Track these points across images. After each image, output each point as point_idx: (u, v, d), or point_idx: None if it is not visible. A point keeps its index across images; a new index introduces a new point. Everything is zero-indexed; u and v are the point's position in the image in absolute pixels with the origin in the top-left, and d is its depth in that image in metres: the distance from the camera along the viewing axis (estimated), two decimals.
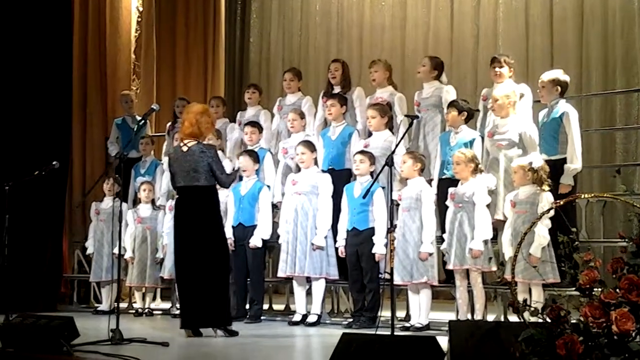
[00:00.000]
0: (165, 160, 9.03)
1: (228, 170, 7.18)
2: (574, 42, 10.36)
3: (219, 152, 7.23)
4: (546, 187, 6.37)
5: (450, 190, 6.79)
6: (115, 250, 7.75)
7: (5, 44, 8.99)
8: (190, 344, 6.14)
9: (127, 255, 8.41)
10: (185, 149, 6.47)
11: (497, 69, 7.40)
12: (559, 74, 7.01)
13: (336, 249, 7.30)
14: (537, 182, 6.39)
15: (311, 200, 7.41)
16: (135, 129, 7.40)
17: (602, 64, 10.14)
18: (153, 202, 8.65)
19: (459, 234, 6.63)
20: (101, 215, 8.76)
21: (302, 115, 8.12)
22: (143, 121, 7.03)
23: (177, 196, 6.73)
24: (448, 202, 6.78)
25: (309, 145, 7.54)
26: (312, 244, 7.29)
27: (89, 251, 8.84)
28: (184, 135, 6.55)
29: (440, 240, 6.97)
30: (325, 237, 7.33)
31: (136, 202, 8.81)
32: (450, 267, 6.70)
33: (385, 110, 7.62)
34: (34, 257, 8.80)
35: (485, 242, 6.56)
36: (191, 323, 6.40)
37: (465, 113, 7.22)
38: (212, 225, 6.45)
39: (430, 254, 6.78)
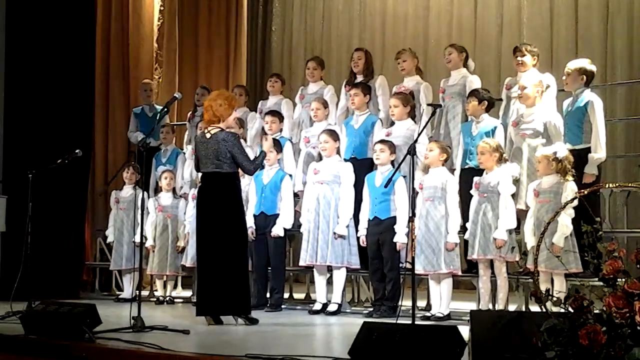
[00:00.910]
0: (187, 148, 9.07)
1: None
2: (599, 31, 10.26)
3: (242, 141, 7.23)
4: (570, 177, 6.32)
5: (475, 179, 6.76)
6: (136, 239, 7.79)
7: (29, 35, 9.02)
8: (210, 331, 6.14)
9: (148, 243, 8.44)
10: (208, 135, 6.52)
11: (519, 58, 7.36)
12: (585, 63, 6.94)
13: (358, 238, 7.28)
14: (561, 172, 6.34)
15: (333, 189, 7.40)
16: (157, 117, 7.40)
17: (627, 53, 10.04)
18: (174, 190, 8.67)
19: (483, 223, 6.60)
20: (121, 203, 8.80)
21: (325, 105, 8.10)
22: (165, 109, 7.03)
23: (200, 182, 6.78)
24: (472, 192, 6.75)
25: (333, 134, 7.52)
26: (335, 233, 7.28)
27: (109, 239, 8.88)
28: (205, 123, 6.70)
29: (461, 230, 6.93)
30: (347, 227, 7.31)
31: (157, 190, 8.82)
32: (474, 256, 6.66)
33: (407, 99, 7.59)
34: (57, 245, 8.85)
35: (510, 231, 6.52)
36: (208, 310, 6.42)
37: (486, 102, 7.19)
38: (232, 212, 6.46)
39: (456, 244, 6.76)
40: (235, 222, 6.48)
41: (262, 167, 7.45)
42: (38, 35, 9.05)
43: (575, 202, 5.33)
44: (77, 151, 7.58)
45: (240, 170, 6.58)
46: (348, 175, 7.41)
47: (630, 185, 4.58)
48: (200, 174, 6.80)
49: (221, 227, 6.39)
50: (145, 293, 8.57)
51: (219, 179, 6.47)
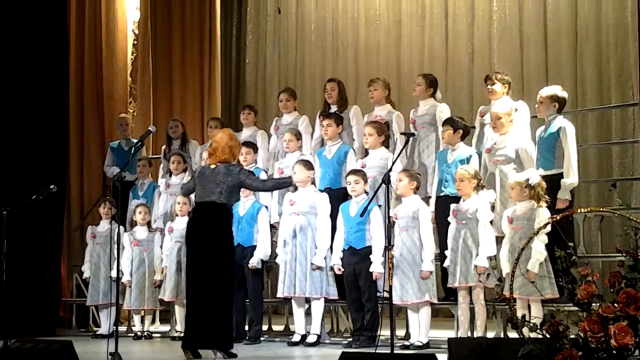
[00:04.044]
0: (161, 182, 9.05)
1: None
2: (568, 58, 10.39)
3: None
4: (543, 204, 6.37)
5: (453, 207, 6.79)
6: (113, 274, 7.73)
7: (1, 68, 9.00)
8: None
9: (125, 278, 8.39)
10: (213, 166, 6.60)
11: (489, 87, 7.47)
12: (557, 90, 7.03)
13: (331, 267, 7.28)
14: (534, 198, 6.39)
15: (310, 220, 7.40)
16: (132, 151, 7.39)
17: (596, 79, 10.17)
18: (149, 224, 8.63)
19: (464, 251, 6.62)
20: (97, 238, 8.74)
21: (298, 136, 8.13)
22: (139, 143, 7.03)
23: (192, 213, 6.89)
24: (450, 219, 6.77)
25: (306, 164, 7.54)
26: (312, 264, 7.27)
27: (86, 275, 8.81)
28: (220, 161, 6.61)
29: (438, 257, 6.95)
30: (325, 257, 7.31)
31: (133, 224, 8.79)
32: (455, 284, 6.67)
33: (383, 129, 7.64)
34: (33, 281, 8.76)
35: (490, 258, 6.55)
36: (193, 343, 6.38)
37: (461, 130, 7.26)
38: (222, 244, 6.44)
39: (431, 272, 6.78)
40: (225, 255, 6.45)
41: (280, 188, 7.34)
42: (10, 69, 9.03)
43: (548, 228, 5.38)
44: (51, 187, 7.55)
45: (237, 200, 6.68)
46: (324, 206, 7.42)
47: (602, 209, 4.63)
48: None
49: (211, 260, 6.36)
50: (122, 328, 8.51)
51: (212, 210, 6.47)
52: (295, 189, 7.44)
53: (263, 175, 8.06)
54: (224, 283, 6.39)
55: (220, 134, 6.79)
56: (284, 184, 7.01)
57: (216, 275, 6.34)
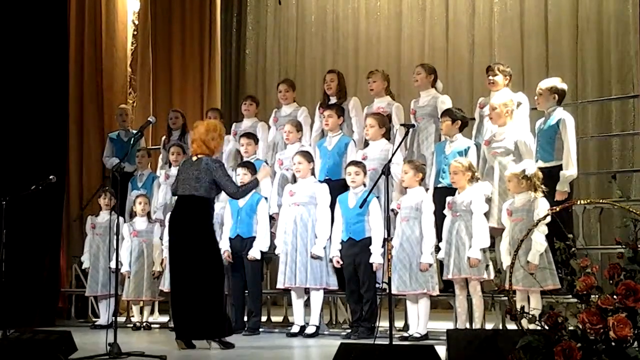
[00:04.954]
0: (161, 173, 9.05)
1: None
2: (569, 50, 10.39)
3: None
4: (540, 194, 6.36)
5: (448, 199, 6.80)
6: (112, 265, 7.73)
7: (1, 58, 8.98)
8: (187, 357, 6.11)
9: (124, 269, 8.39)
10: (194, 158, 6.62)
11: (491, 78, 7.43)
12: (556, 82, 7.02)
13: (331, 259, 7.28)
14: (531, 189, 6.39)
15: (309, 210, 7.40)
16: (131, 142, 7.38)
17: (597, 71, 10.17)
18: (149, 215, 8.63)
19: (457, 242, 6.62)
20: (97, 229, 8.74)
21: (298, 127, 8.13)
22: (139, 134, 7.02)
23: (174, 205, 6.82)
24: (445, 211, 6.78)
25: (306, 156, 7.54)
26: (311, 253, 7.27)
27: (85, 265, 8.82)
28: (194, 154, 6.70)
29: (437, 249, 6.96)
30: (324, 248, 7.31)
31: (132, 215, 8.78)
32: (449, 276, 6.69)
33: (384, 121, 7.64)
34: (32, 272, 8.76)
35: (483, 250, 6.55)
36: (183, 334, 6.39)
37: (459, 122, 7.25)
38: (204, 236, 6.49)
39: (430, 265, 6.78)
40: (208, 246, 6.49)
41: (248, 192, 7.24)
42: (10, 60, 9.00)
43: (548, 219, 5.37)
44: (51, 177, 7.54)
45: (218, 195, 6.64)
46: (324, 196, 7.42)
47: (601, 201, 4.62)
48: (175, 198, 6.82)
49: (193, 252, 6.39)
50: (121, 319, 8.51)
51: (193, 203, 6.49)
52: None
53: (264, 167, 8.05)
54: (208, 274, 6.42)
55: (199, 126, 6.78)
56: (251, 188, 7.04)
57: (199, 267, 6.37)
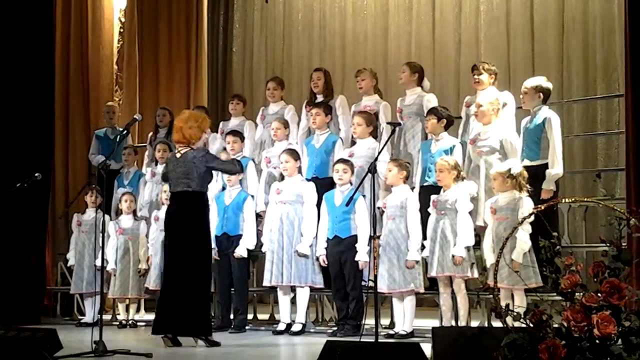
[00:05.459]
0: (147, 170, 9.03)
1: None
2: (555, 49, 10.44)
3: None
4: (525, 193, 6.39)
5: (433, 197, 6.81)
6: (98, 262, 7.71)
7: None
8: (174, 355, 6.10)
9: (110, 267, 8.36)
10: (178, 155, 6.62)
11: (476, 76, 7.45)
12: (542, 80, 7.05)
13: (317, 257, 7.29)
14: (516, 188, 6.41)
15: (296, 209, 7.41)
16: (118, 139, 7.36)
17: (582, 71, 10.23)
18: (135, 212, 8.61)
19: (442, 241, 6.64)
20: (83, 226, 8.70)
21: (285, 124, 8.13)
22: (125, 131, 7.01)
23: (168, 203, 6.86)
24: (430, 210, 6.80)
25: (293, 154, 7.55)
26: (296, 251, 7.28)
27: (70, 263, 8.78)
28: (174, 142, 6.77)
29: (423, 247, 6.97)
30: (311, 246, 7.32)
31: (118, 213, 8.76)
32: (432, 274, 6.71)
33: (371, 119, 7.64)
34: (17, 269, 8.73)
35: (468, 248, 6.57)
36: (166, 329, 6.39)
37: (445, 120, 7.26)
38: (199, 233, 6.50)
39: (417, 262, 6.79)
40: (202, 243, 6.51)
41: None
42: None
43: (532, 218, 5.39)
44: (36, 175, 7.50)
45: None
46: (310, 195, 7.42)
47: (586, 200, 4.64)
48: (164, 195, 6.82)
49: (188, 248, 6.40)
50: (107, 317, 8.49)
51: (188, 199, 6.50)
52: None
53: (250, 165, 8.05)
54: (200, 271, 6.44)
55: (183, 114, 6.83)
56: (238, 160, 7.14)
57: (193, 264, 6.39)
